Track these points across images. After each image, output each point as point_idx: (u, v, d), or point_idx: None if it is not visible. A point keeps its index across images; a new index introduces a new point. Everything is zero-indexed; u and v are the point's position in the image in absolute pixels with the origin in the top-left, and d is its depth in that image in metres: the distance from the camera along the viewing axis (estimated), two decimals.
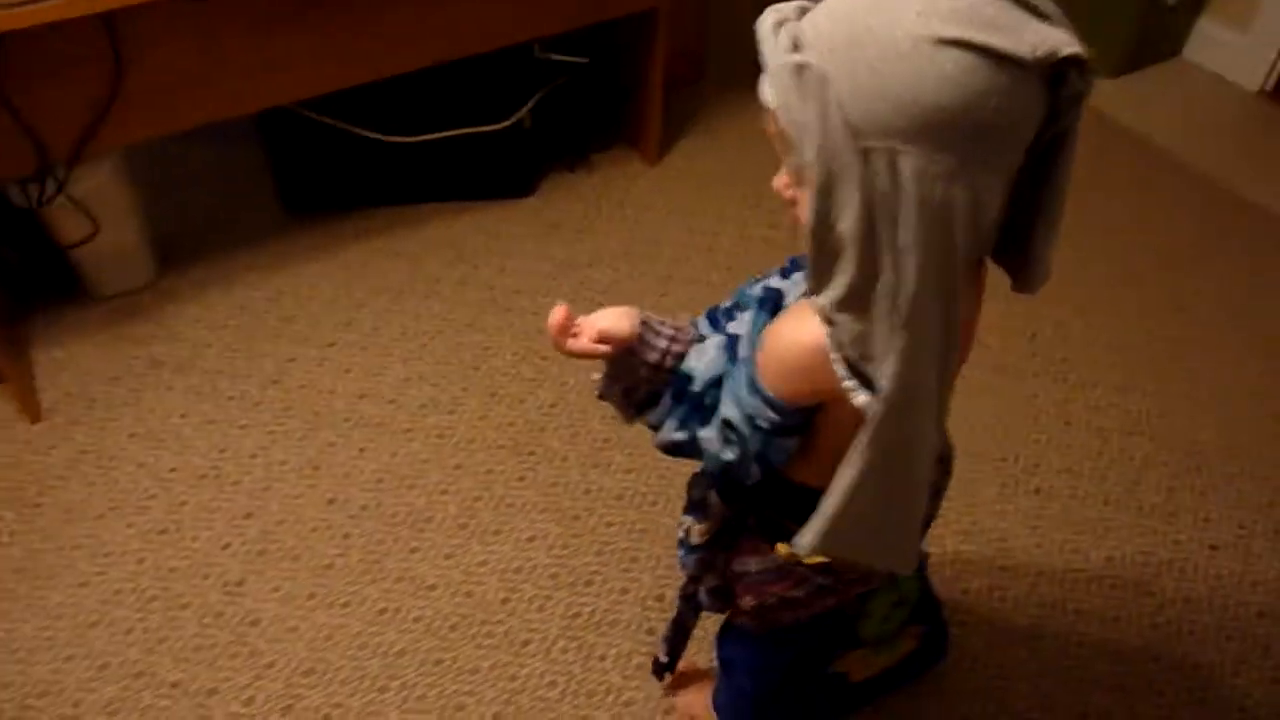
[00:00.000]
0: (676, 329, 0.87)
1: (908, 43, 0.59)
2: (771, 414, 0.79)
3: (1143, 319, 1.95)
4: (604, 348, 0.86)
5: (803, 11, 0.66)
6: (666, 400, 0.86)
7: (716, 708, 1.28)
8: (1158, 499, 1.63)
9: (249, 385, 1.77)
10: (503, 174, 2.13)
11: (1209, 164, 2.31)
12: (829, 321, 0.70)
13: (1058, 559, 1.55)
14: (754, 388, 0.79)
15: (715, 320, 0.93)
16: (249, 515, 1.57)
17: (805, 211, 0.67)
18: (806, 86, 0.62)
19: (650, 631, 1.44)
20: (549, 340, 0.87)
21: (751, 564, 0.99)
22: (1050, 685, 1.40)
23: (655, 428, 0.89)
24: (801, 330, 0.74)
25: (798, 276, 0.87)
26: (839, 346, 0.70)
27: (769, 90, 0.65)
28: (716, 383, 0.84)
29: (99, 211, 1.75)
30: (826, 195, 0.63)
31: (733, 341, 0.86)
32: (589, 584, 1.50)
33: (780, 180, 0.73)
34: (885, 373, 0.67)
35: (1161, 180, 2.28)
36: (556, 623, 1.45)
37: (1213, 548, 1.57)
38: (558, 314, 0.85)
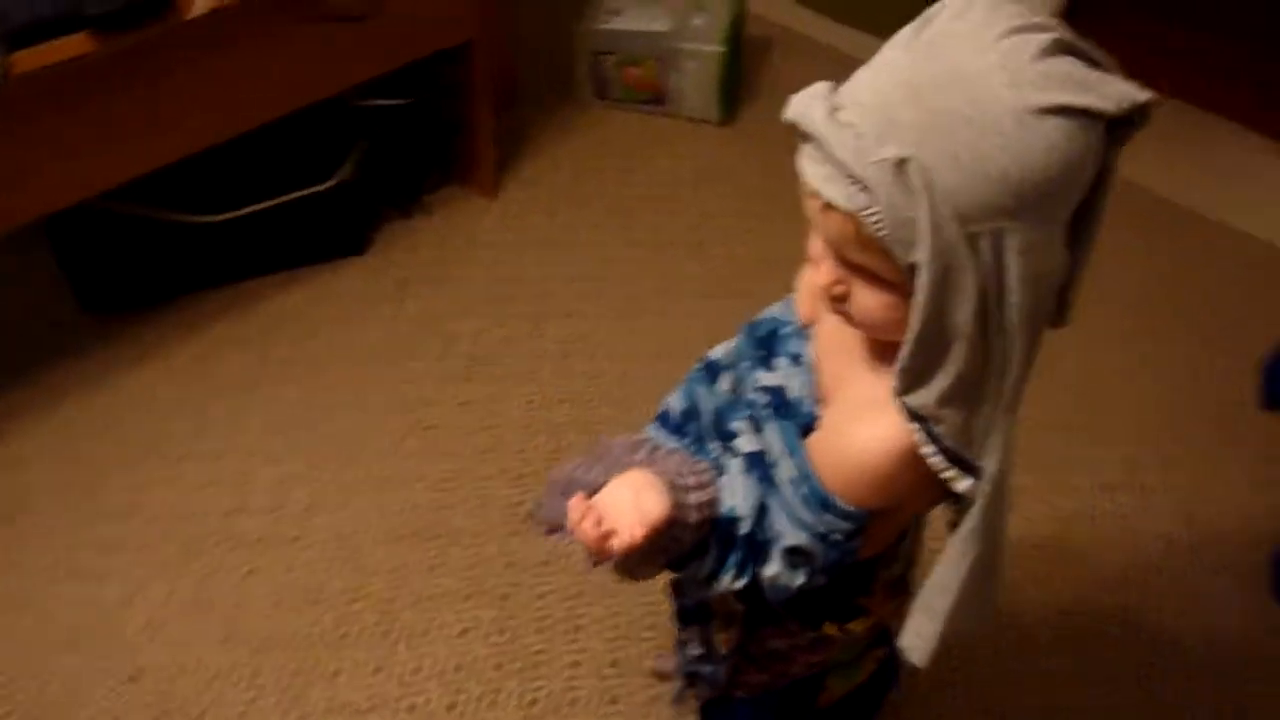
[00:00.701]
0: (695, 473, 0.74)
1: (1009, 118, 0.56)
2: (849, 525, 0.72)
3: None
4: (643, 533, 0.68)
5: (833, 90, 0.62)
6: (714, 551, 0.74)
7: None
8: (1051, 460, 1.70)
9: (98, 526, 1.55)
10: (332, 234, 1.96)
11: None
12: (928, 418, 0.65)
13: None
14: (827, 506, 0.72)
15: (671, 426, 0.87)
16: (133, 678, 1.37)
17: (868, 306, 0.65)
18: (910, 182, 0.56)
19: (614, 700, 1.36)
20: (582, 549, 0.68)
21: (777, 643, 0.92)
22: (1004, 659, 1.43)
23: (706, 582, 0.76)
24: (886, 436, 0.68)
25: (783, 363, 0.80)
26: (937, 440, 0.66)
27: (843, 190, 0.59)
28: (762, 514, 0.74)
29: None
30: (942, 291, 0.59)
31: (756, 461, 0.76)
32: (537, 666, 1.40)
33: (829, 277, 0.66)
34: (990, 453, 0.66)
35: None
36: (513, 716, 1.35)
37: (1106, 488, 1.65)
38: (585, 516, 0.67)
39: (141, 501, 1.58)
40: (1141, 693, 1.39)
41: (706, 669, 0.97)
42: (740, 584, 0.75)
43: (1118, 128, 0.60)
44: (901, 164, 0.56)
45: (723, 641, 0.92)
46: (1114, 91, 0.58)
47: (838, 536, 0.73)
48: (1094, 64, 0.59)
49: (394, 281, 1.96)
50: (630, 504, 0.68)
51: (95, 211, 1.67)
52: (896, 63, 0.60)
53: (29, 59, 1.22)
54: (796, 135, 0.63)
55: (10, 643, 1.40)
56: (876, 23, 3.14)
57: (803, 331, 0.81)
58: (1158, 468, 1.68)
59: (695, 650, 0.97)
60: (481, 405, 1.73)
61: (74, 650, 1.40)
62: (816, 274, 0.68)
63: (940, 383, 0.63)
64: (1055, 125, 0.56)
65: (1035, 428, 1.65)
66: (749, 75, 2.51)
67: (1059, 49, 0.57)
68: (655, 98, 2.34)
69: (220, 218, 1.79)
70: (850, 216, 0.59)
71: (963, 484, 0.67)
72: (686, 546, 0.73)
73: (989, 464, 0.66)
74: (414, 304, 1.91)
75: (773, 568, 0.74)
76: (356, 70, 1.72)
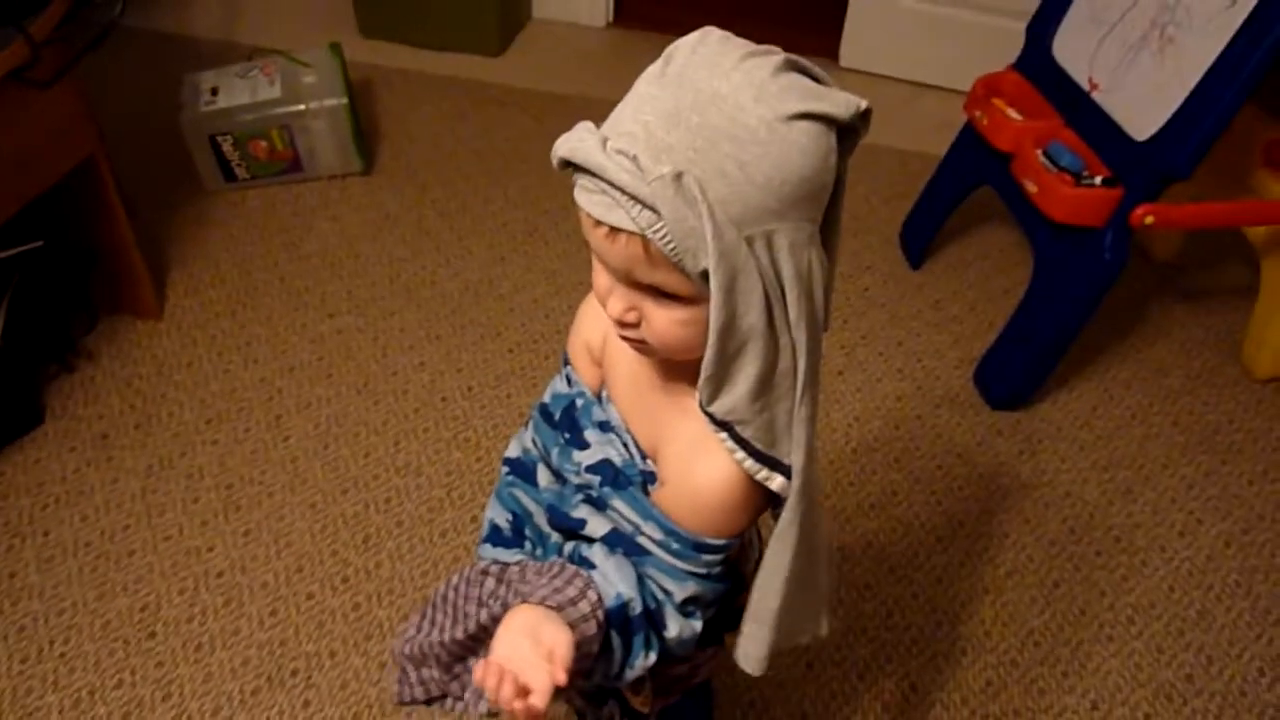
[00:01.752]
0: (567, 581, 0.72)
1: (763, 128, 0.62)
2: (721, 555, 0.75)
3: None
4: (564, 675, 0.66)
5: (594, 129, 0.66)
6: (617, 642, 0.74)
7: None
8: None
9: None
10: (2, 410, 1.67)
11: (597, 89, 2.65)
12: (733, 424, 0.69)
13: None
14: (699, 548, 0.74)
15: (511, 543, 0.88)
16: None
17: (661, 327, 0.68)
18: (689, 194, 0.61)
19: None
20: (505, 709, 0.62)
21: (680, 669, 0.94)
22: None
23: (619, 673, 0.76)
24: (720, 463, 0.72)
25: (594, 435, 0.82)
26: (745, 444, 0.70)
27: (626, 212, 0.62)
28: (641, 589, 0.75)
29: None
30: (731, 294, 0.63)
31: (616, 538, 0.77)
32: None
33: (620, 306, 0.69)
34: (796, 446, 0.70)
35: (564, 114, 2.56)
36: None
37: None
38: (501, 682, 0.61)
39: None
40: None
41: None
42: (653, 659, 0.76)
43: (845, 136, 0.67)
44: (679, 178, 0.60)
45: (642, 703, 0.92)
46: (841, 99, 0.65)
47: (717, 570, 0.76)
48: (817, 80, 0.67)
49: (93, 441, 1.71)
50: (531, 650, 0.64)
51: None
52: (651, 95, 0.64)
53: None
54: (567, 171, 0.66)
55: None
56: (446, 40, 3.28)
57: (596, 400, 0.83)
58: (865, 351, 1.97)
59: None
60: (263, 528, 1.59)
61: None
62: (607, 308, 0.70)
63: (741, 385, 0.67)
64: (802, 130, 0.63)
65: None
66: (366, 120, 2.47)
67: (789, 67, 0.65)
68: (291, 166, 2.23)
69: None
70: (637, 237, 0.63)
71: (776, 482, 0.71)
72: (590, 661, 0.72)
73: (795, 459, 0.71)
74: (129, 457, 1.69)
75: (673, 628, 0.76)
76: None
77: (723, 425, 0.69)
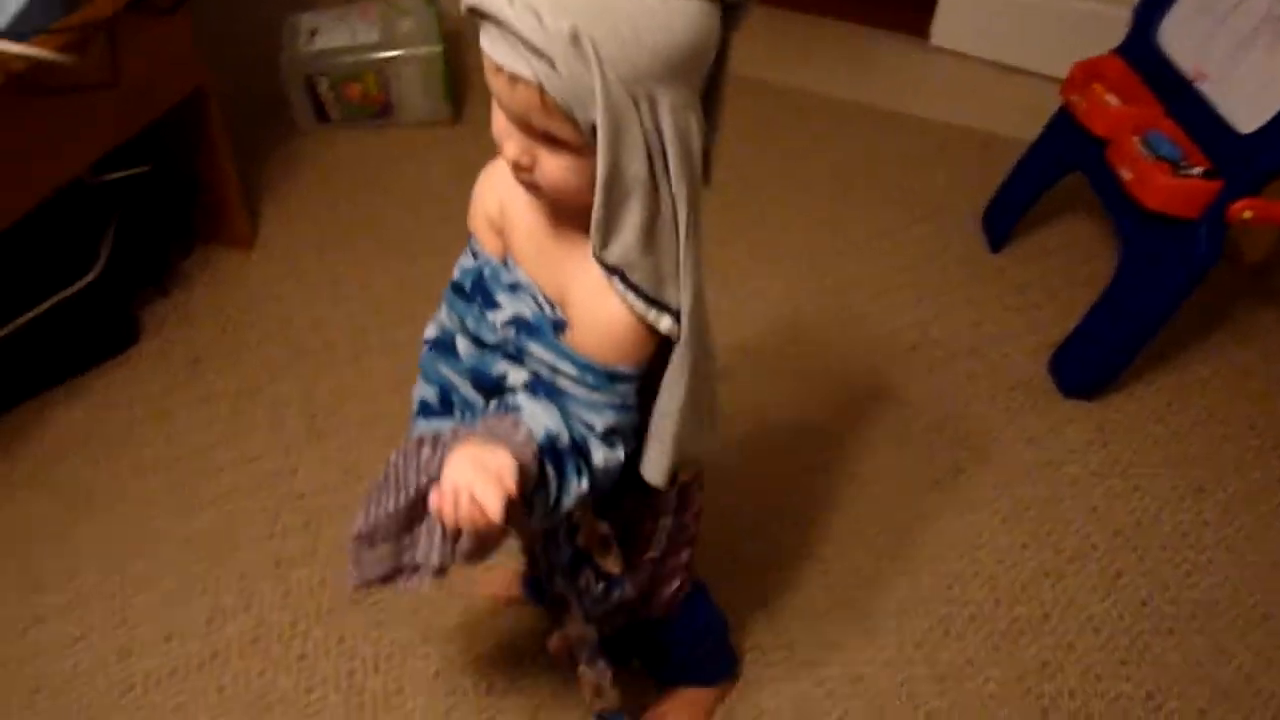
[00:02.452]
0: (500, 423, 0.80)
1: None
2: (632, 386, 0.82)
3: (777, 212, 2.22)
4: (509, 492, 0.74)
5: None
6: (551, 473, 0.81)
7: (706, 680, 1.34)
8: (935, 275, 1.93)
9: None
10: (98, 331, 1.74)
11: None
12: (623, 268, 0.75)
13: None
14: (613, 378, 0.81)
15: (435, 411, 0.93)
16: None
17: (552, 171, 0.74)
18: (584, 52, 0.66)
19: None
20: (461, 522, 0.73)
21: (665, 522, 1.01)
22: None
23: (556, 504, 0.83)
24: (618, 305, 0.78)
25: (505, 298, 0.87)
26: (635, 288, 0.76)
27: (526, 63, 0.67)
28: (565, 424, 0.82)
29: None
30: (616, 145, 0.69)
31: (536, 385, 0.84)
32: None
33: (515, 149, 0.75)
34: (683, 290, 0.78)
35: None
36: None
37: None
38: (458, 491, 0.72)
39: (2, 689, 1.34)
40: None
41: (616, 594, 1.04)
42: (585, 485, 0.82)
43: (730, 12, 0.73)
44: (575, 36, 0.65)
45: (614, 563, 1.00)
46: None
47: (630, 401, 0.83)
48: None
49: (185, 364, 1.78)
50: (478, 471, 0.72)
51: None
52: None
53: None
54: (475, 18, 0.70)
55: None
56: None
57: (503, 265, 0.89)
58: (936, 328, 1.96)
59: (598, 589, 1.03)
60: (341, 456, 1.64)
61: None
62: (503, 151, 0.77)
63: (629, 233, 0.74)
64: (691, 3, 0.69)
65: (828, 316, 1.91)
66: (458, 69, 2.50)
67: None
68: (382, 110, 2.27)
69: None
70: (534, 85, 0.69)
71: (664, 323, 0.78)
72: (531, 487, 0.79)
73: (684, 302, 0.78)
74: (219, 381, 1.75)
75: (599, 455, 0.83)
76: (100, 143, 1.53)
77: (613, 271, 0.76)
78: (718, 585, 1.28)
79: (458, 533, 0.80)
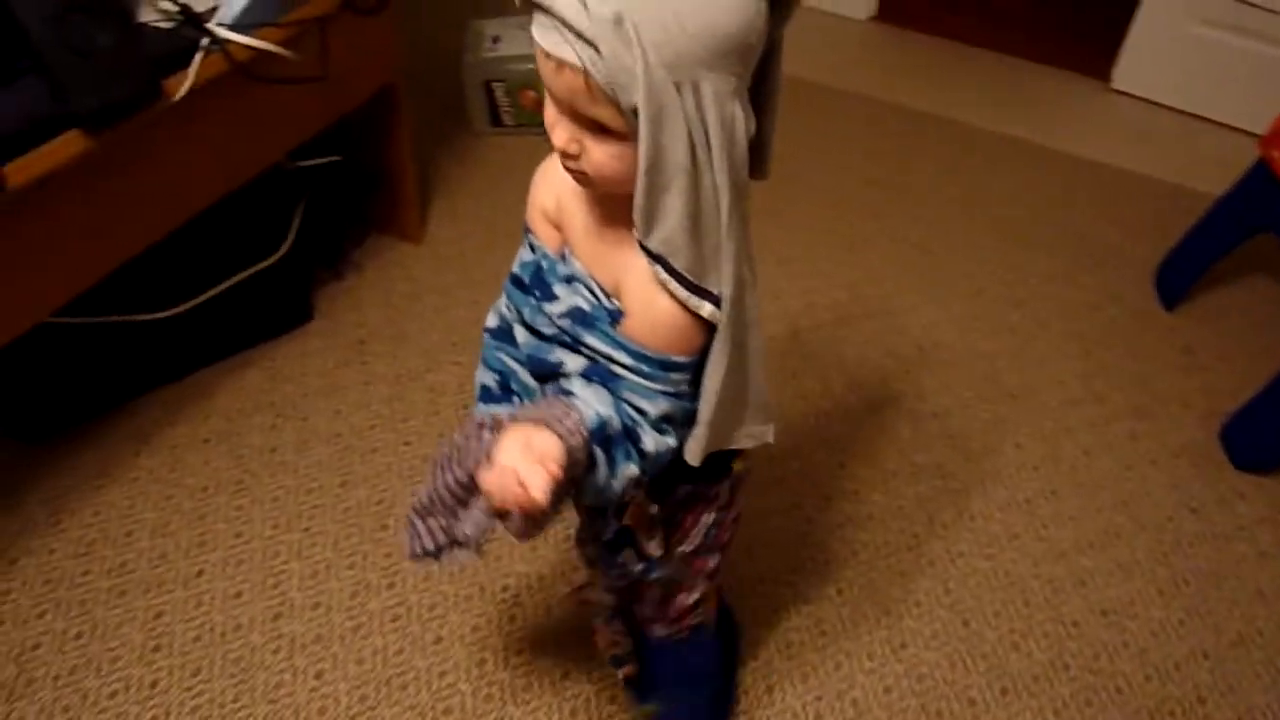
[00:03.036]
0: (552, 407, 0.81)
1: None
2: (687, 374, 0.83)
3: (907, 232, 2.18)
4: (553, 471, 0.75)
5: None
6: (601, 457, 0.83)
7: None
8: (1054, 334, 1.87)
9: (127, 668, 1.39)
10: (276, 307, 1.85)
11: (858, 85, 2.64)
12: (667, 255, 0.76)
13: (1086, 409, 1.72)
14: (668, 366, 0.82)
15: (496, 398, 0.96)
16: None
17: (599, 159, 0.74)
18: (626, 36, 0.66)
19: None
20: (508, 504, 0.74)
21: (706, 519, 1.02)
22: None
23: (608, 485, 0.84)
24: (663, 292, 0.79)
25: (561, 289, 0.88)
26: (678, 274, 0.77)
27: (572, 48, 0.68)
28: (617, 409, 0.84)
29: None
30: (659, 131, 0.69)
31: (594, 370, 0.86)
32: None
33: (564, 136, 0.76)
34: (724, 279, 0.78)
35: (831, 109, 2.55)
36: None
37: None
38: (506, 474, 0.73)
39: (166, 629, 1.43)
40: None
41: (651, 576, 1.05)
42: (634, 469, 0.84)
43: (779, 6, 0.73)
44: (619, 20, 0.66)
45: (657, 546, 1.01)
46: None
47: (685, 387, 0.84)
48: None
49: (352, 345, 1.87)
50: (525, 455, 0.74)
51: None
52: None
53: (22, 170, 1.08)
54: (528, 7, 0.71)
55: None
56: None
57: (560, 258, 0.90)
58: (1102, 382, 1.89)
59: (636, 568, 1.04)
60: None
61: None
62: (553, 137, 0.78)
63: (672, 218, 0.74)
64: None
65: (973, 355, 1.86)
66: None
67: None
68: None
69: (169, 312, 1.64)
70: (580, 71, 0.69)
71: (705, 309, 0.78)
72: (580, 470, 0.81)
73: (725, 290, 0.78)
74: (381, 364, 1.83)
75: (650, 442, 0.84)
76: (301, 131, 1.63)
77: (657, 259, 0.76)
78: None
79: (507, 511, 0.80)
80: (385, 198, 2.02)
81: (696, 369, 0.83)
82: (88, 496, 1.60)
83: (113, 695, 1.36)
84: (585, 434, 0.79)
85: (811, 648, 1.44)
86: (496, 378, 0.97)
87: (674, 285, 0.77)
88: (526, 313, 0.92)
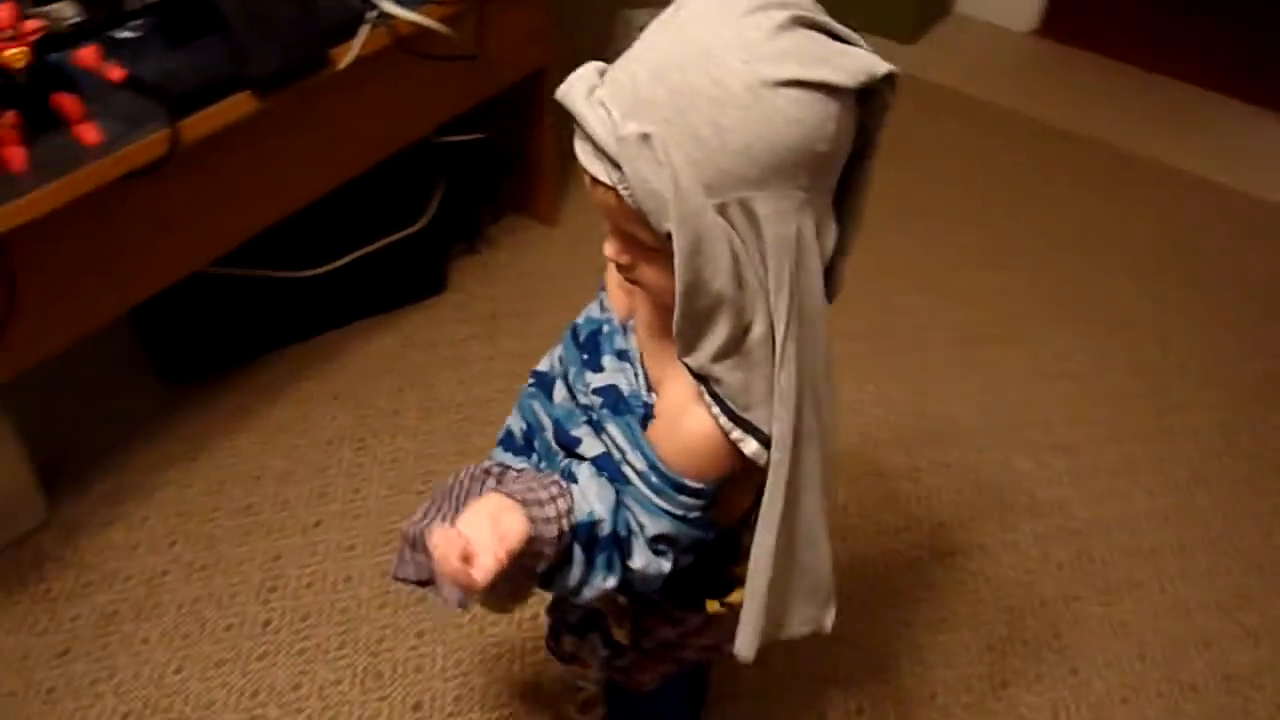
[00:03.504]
0: (545, 486, 0.74)
1: (746, 94, 0.58)
2: (702, 502, 0.74)
3: (1043, 263, 2.10)
4: (500, 560, 0.67)
5: (602, 73, 0.65)
6: (579, 556, 0.74)
7: None
8: (1151, 424, 1.77)
9: (243, 604, 1.47)
10: (413, 276, 1.91)
11: (1014, 100, 2.54)
12: (708, 378, 0.68)
13: (1111, 507, 1.64)
14: (679, 488, 0.73)
15: (515, 449, 0.89)
16: None
17: (650, 275, 0.68)
18: (655, 157, 0.59)
19: None
20: (445, 576, 0.66)
21: (667, 633, 0.95)
22: None
23: (577, 588, 0.76)
24: (702, 416, 0.71)
25: (610, 361, 0.82)
26: (720, 401, 0.69)
27: (601, 166, 0.62)
28: (617, 512, 0.75)
29: None
30: (695, 256, 0.62)
31: (605, 462, 0.78)
32: None
33: (613, 249, 0.70)
34: (777, 418, 0.67)
35: (980, 122, 2.46)
36: None
37: (1218, 455, 1.74)
38: (451, 549, 0.64)
39: (282, 571, 1.51)
40: None
41: (620, 664, 1.00)
42: (612, 583, 0.75)
43: (870, 99, 0.63)
44: (645, 139, 0.59)
45: (623, 635, 0.95)
46: (851, 64, 0.60)
47: (695, 514, 0.75)
48: (835, 38, 0.62)
49: (481, 319, 1.92)
50: (487, 530, 0.67)
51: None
52: (650, 42, 0.63)
53: (196, 126, 1.15)
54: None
55: None
56: (858, 17, 3.30)
57: (622, 327, 0.83)
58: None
59: (603, 652, 0.99)
60: None
61: None
62: (605, 246, 0.71)
63: (710, 345, 0.66)
64: (790, 97, 0.59)
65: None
66: None
67: (798, 24, 0.60)
68: None
69: (312, 272, 1.72)
70: (611, 189, 0.63)
71: (750, 446, 0.69)
72: (552, 561, 0.73)
73: (776, 430, 0.68)
74: (508, 341, 1.88)
75: (639, 559, 0.75)
76: (451, 107, 1.68)
77: (700, 379, 0.69)
78: None
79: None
80: (524, 178, 2.06)
81: (714, 499, 0.75)
82: (222, 439, 1.69)
83: (228, 628, 1.44)
84: (564, 528, 0.72)
85: (909, 674, 1.40)
86: (523, 427, 0.90)
87: (716, 410, 0.69)
88: (572, 371, 0.85)
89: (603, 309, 0.86)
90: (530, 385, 0.91)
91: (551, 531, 0.71)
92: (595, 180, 0.64)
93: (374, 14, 1.30)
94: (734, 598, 0.85)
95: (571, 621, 1.00)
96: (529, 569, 0.73)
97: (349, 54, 1.28)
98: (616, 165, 0.61)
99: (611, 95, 0.62)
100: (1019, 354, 1.89)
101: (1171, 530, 1.60)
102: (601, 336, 0.84)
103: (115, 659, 1.40)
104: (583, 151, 0.64)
